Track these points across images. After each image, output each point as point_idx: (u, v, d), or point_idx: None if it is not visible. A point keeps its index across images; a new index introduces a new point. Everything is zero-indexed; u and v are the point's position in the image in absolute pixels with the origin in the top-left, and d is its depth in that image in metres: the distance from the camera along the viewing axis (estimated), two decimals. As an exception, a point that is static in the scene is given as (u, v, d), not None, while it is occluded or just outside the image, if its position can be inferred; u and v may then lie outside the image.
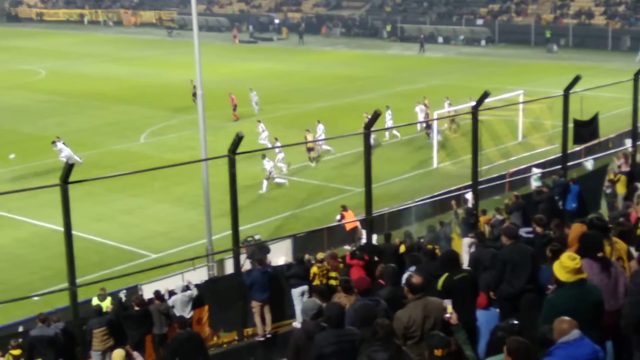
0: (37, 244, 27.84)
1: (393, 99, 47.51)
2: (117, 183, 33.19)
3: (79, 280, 17.38)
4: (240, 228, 19.42)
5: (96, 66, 69.78)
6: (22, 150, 39.98)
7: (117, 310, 18.25)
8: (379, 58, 72.82)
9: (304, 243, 25.38)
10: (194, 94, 50.42)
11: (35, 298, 22.55)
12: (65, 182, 16.44)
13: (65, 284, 17.67)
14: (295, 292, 18.73)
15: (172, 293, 18.71)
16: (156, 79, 61.65)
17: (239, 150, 18.01)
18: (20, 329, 19.30)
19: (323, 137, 37.52)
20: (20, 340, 16.36)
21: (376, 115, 18.97)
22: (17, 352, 16.06)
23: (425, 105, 41.81)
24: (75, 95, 55.29)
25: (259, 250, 22.07)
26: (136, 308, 17.78)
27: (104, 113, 49.31)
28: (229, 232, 19.25)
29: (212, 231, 24.37)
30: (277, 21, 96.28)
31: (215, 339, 19.12)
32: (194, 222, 28.92)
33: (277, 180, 33.55)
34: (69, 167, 16.38)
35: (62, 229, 16.97)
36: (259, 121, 40.06)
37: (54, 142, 36.39)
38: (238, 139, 17.88)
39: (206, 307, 18.94)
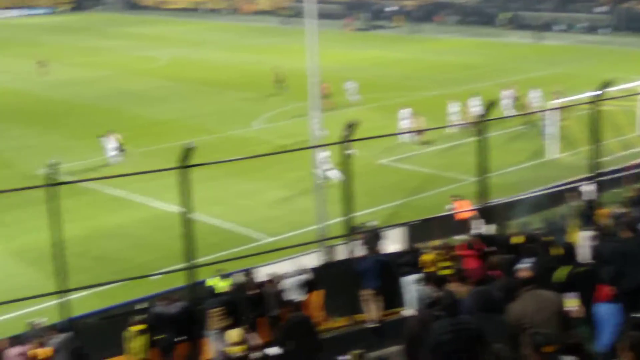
0: (158, 225, 28.77)
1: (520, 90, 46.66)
2: (234, 167, 33.97)
3: (196, 261, 17.96)
4: (354, 215, 19.60)
5: (214, 53, 71.29)
6: (142, 134, 41.39)
7: (233, 292, 18.72)
8: (493, 46, 71.69)
9: (416, 231, 25.31)
10: (279, 82, 51.19)
11: (155, 277, 23.40)
12: (184, 165, 17.00)
13: (184, 264, 18.28)
14: (406, 280, 18.75)
15: (285, 276, 19.05)
16: (269, 66, 62.42)
17: (353, 137, 18.17)
18: (141, 306, 20.03)
19: (408, 123, 37.53)
20: (142, 316, 17.00)
21: (489, 105, 18.78)
22: (139, 327, 16.71)
23: (514, 90, 41.70)
24: (194, 82, 56.69)
25: (373, 237, 22.17)
26: (251, 290, 18.20)
27: (221, 99, 50.43)
28: (343, 218, 19.46)
29: (325, 217, 24.64)
30: (391, 9, 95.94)
31: (326, 323, 19.35)
32: (308, 207, 29.24)
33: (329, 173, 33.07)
34: (188, 151, 16.93)
35: (181, 211, 17.54)
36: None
37: (103, 136, 36.94)
38: (351, 126, 18.05)
39: (318, 292, 19.20)
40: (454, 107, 40.23)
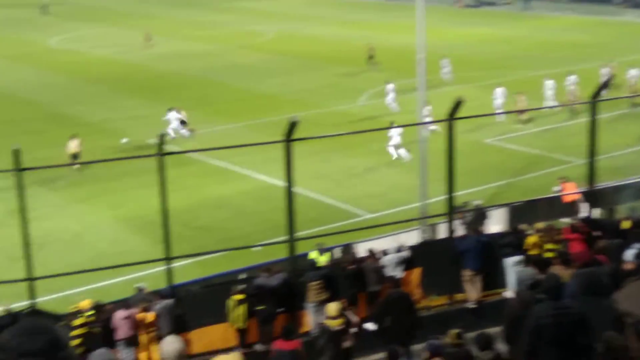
0: (260, 197, 29.15)
1: (619, 68, 45.18)
2: (336, 143, 34.01)
3: (297, 235, 18.10)
4: (456, 194, 19.37)
5: (321, 28, 71.38)
6: (248, 107, 41.90)
7: (332, 266, 18.82)
8: (609, 25, 69.33)
9: (519, 213, 24.85)
10: (370, 57, 50.81)
11: (256, 248, 23.74)
12: (288, 139, 17.12)
13: (285, 237, 18.46)
14: (508, 261, 18.44)
15: (385, 253, 19.02)
16: (377, 42, 62.11)
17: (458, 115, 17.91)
18: (243, 276, 20.37)
19: (501, 101, 37.15)
20: (242, 286, 17.28)
21: (605, 84, 18.18)
22: (240, 296, 17.00)
23: (611, 68, 40.51)
24: (300, 57, 56.94)
25: (477, 217, 21.88)
26: (350, 266, 18.25)
27: (326, 74, 50.51)
28: (444, 196, 19.25)
29: (427, 195, 24.44)
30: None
31: (425, 301, 19.25)
32: (410, 185, 29.08)
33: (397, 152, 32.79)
34: (292, 125, 17.03)
35: (284, 184, 17.68)
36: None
37: (170, 111, 37.09)
38: (457, 104, 17.78)
39: (418, 270, 19.11)
40: (549, 85, 39.27)
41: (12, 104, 44.06)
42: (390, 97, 39.72)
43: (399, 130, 31.89)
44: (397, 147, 32.55)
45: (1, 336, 3.68)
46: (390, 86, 39.83)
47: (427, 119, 36.04)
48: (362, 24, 73.67)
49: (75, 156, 32.44)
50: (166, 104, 42.97)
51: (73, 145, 32.78)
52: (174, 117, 36.87)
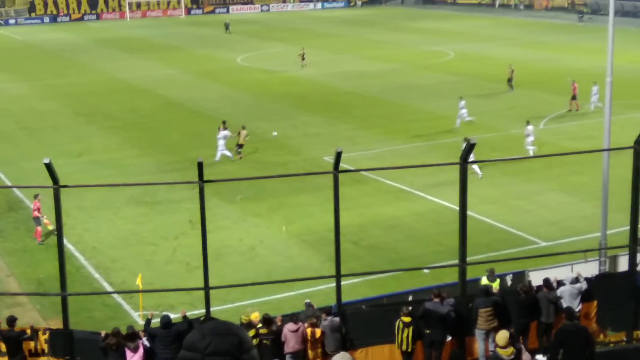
0: (432, 219, 28.88)
1: None
2: (512, 167, 33.28)
3: (468, 259, 17.76)
4: None
5: (503, 49, 70.24)
6: (425, 127, 41.78)
7: (503, 293, 18.33)
8: None
9: None
10: (509, 80, 49.13)
11: (426, 270, 23.53)
12: (464, 161, 16.85)
13: (456, 261, 18.17)
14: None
15: (560, 283, 18.34)
16: (562, 65, 60.42)
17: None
18: (410, 297, 20.23)
19: None
20: (410, 308, 17.13)
21: None
22: (407, 319, 16.87)
23: None
24: (481, 78, 56.21)
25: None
26: (523, 294, 17.70)
27: (506, 96, 49.57)
28: (626, 227, 18.33)
29: (607, 225, 23.36)
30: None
31: (602, 336, 18.40)
32: (588, 213, 27.98)
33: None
34: (469, 147, 16.75)
35: (456, 207, 17.42)
36: None
37: (222, 124, 36.74)
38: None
39: (595, 302, 18.29)
40: None
41: (196, 118, 46.10)
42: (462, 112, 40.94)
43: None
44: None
45: (190, 336, 3.85)
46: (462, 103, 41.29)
47: (530, 139, 35.06)
48: (548, 46, 71.85)
49: (240, 145, 36.81)
50: (344, 122, 43.63)
51: (242, 136, 36.96)
52: (222, 136, 36.53)
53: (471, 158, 30.95)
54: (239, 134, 37.00)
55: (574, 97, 44.44)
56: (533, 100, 48.01)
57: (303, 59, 63.43)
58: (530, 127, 35.95)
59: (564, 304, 17.64)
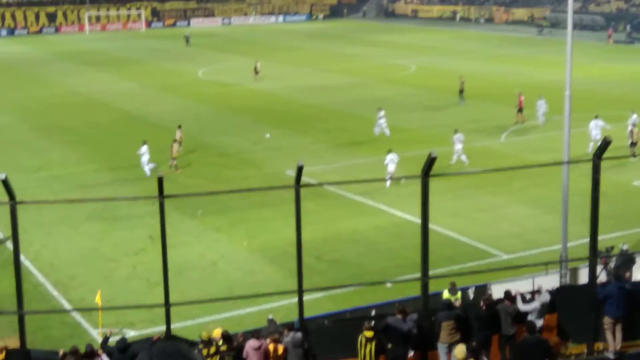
0: (394, 233, 28.85)
1: None
2: (474, 180, 33.43)
3: (430, 273, 17.71)
4: (599, 237, 18.49)
5: (464, 62, 70.79)
6: (387, 141, 41.81)
7: (465, 307, 18.30)
8: None
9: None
10: (461, 91, 51.72)
11: (389, 284, 23.47)
12: (426, 174, 16.81)
13: (418, 274, 18.10)
14: (656, 311, 17.43)
15: (522, 295, 18.37)
16: (521, 78, 61.01)
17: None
18: (373, 312, 20.13)
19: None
20: (373, 322, 17.02)
21: None
22: (370, 334, 16.73)
23: None
24: (442, 91, 56.52)
25: (623, 263, 20.86)
26: (484, 307, 17.69)
27: (466, 110, 49.87)
28: (587, 239, 18.41)
29: (568, 237, 23.51)
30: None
31: (563, 349, 18.44)
32: (550, 226, 28.17)
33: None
34: (430, 161, 16.71)
35: (418, 220, 17.37)
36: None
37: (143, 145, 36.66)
38: (605, 144, 16.99)
39: (556, 315, 18.33)
40: None
41: (157, 132, 45.73)
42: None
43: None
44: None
45: (140, 358, 3.68)
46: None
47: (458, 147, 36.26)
48: (508, 59, 72.57)
49: (173, 159, 37.41)
50: (306, 135, 43.53)
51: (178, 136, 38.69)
52: (145, 150, 36.60)
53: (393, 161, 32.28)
54: (173, 144, 37.24)
55: (520, 110, 44.93)
56: (493, 113, 48.37)
57: (257, 72, 63.54)
58: (457, 136, 36.45)
59: (526, 316, 17.66)
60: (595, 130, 37.82)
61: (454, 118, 47.21)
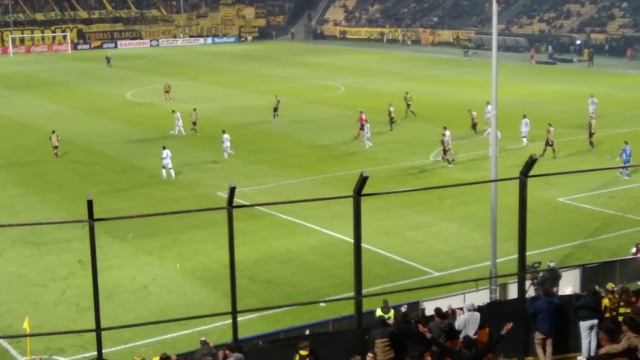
0: (327, 252, 28.94)
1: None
2: (405, 199, 33.77)
3: (364, 291, 17.80)
4: (527, 253, 18.87)
5: (392, 83, 71.62)
6: (318, 161, 42.00)
7: (398, 324, 18.44)
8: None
9: (593, 274, 24.13)
10: (275, 109, 54.08)
11: (322, 304, 23.50)
12: (358, 194, 16.93)
13: (351, 293, 18.18)
14: (584, 325, 17.81)
15: (453, 312, 18.58)
16: (449, 98, 62.03)
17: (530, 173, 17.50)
18: (307, 331, 20.13)
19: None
20: (307, 342, 17.01)
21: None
22: (305, 352, 16.73)
23: None
24: (371, 111, 56.87)
25: (550, 278, 21.28)
26: (418, 324, 17.84)
27: (396, 129, 50.40)
28: (515, 256, 18.77)
29: (497, 254, 23.93)
30: (578, 42, 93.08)
31: (492, 363, 18.68)
32: (479, 243, 28.62)
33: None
34: (363, 180, 16.85)
35: (351, 239, 17.48)
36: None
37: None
38: (531, 162, 17.39)
39: (487, 330, 18.58)
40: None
41: (85, 155, 45.07)
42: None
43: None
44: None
45: None
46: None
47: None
48: (436, 80, 73.70)
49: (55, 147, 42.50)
50: (237, 156, 43.43)
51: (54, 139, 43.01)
52: (166, 154, 39.22)
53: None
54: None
55: (362, 127, 45.96)
56: (422, 132, 49.00)
57: (167, 92, 63.85)
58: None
59: (465, 332, 17.85)
60: (525, 127, 43.82)
61: (383, 137, 47.69)
